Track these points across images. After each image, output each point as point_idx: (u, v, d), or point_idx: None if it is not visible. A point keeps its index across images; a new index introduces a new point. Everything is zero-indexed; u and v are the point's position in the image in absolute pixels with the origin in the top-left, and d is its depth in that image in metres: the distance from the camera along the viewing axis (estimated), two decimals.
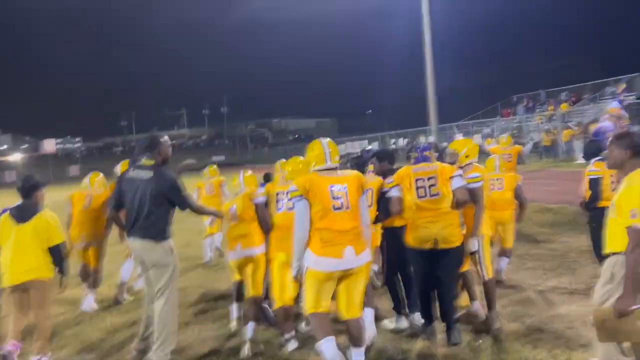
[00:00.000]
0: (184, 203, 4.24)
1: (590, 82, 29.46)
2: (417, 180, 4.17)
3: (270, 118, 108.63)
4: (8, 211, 4.18)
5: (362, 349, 3.59)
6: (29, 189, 4.25)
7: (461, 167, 4.56)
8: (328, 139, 3.78)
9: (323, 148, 3.64)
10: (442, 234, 4.09)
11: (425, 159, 4.27)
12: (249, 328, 4.40)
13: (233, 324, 4.88)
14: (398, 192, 4.21)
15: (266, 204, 4.35)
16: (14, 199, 4.31)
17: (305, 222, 3.48)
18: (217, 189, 8.30)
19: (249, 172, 5.02)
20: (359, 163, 5.44)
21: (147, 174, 4.11)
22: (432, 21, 24.58)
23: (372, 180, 4.56)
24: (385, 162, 4.86)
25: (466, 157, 4.74)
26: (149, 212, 4.07)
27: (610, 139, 3.26)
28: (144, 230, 4.09)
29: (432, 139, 28.11)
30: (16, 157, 70.42)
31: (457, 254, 4.22)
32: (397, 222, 4.48)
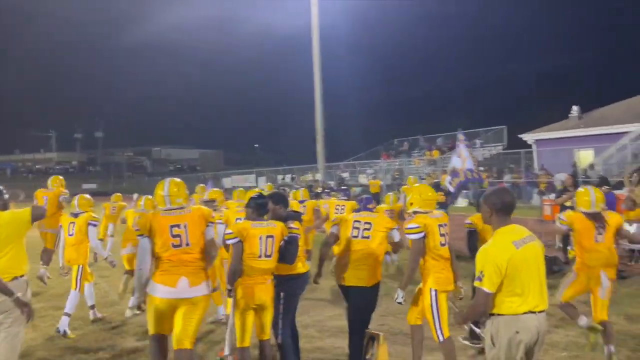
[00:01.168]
0: None
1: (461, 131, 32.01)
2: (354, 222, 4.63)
3: (150, 146, 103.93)
4: None
5: None
6: None
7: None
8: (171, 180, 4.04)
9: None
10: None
11: (367, 209, 4.79)
12: None
13: None
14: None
15: None
16: None
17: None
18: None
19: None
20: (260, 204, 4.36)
21: None
22: (322, 61, 25.30)
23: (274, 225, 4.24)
24: (280, 205, 4.44)
25: (410, 204, 4.58)
26: None
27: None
28: None
29: (319, 176, 28.63)
30: None
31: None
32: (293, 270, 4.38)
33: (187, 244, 3.79)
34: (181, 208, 3.92)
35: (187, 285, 3.75)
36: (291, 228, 4.26)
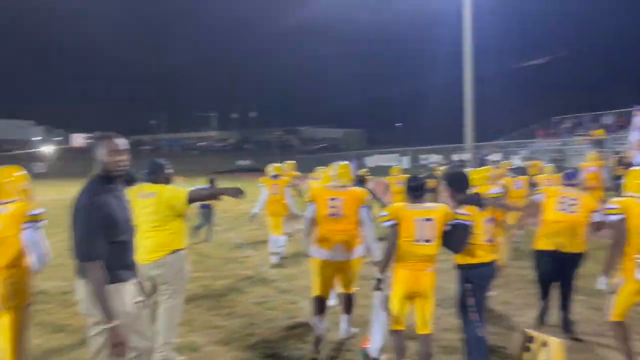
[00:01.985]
0: None
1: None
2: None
3: (298, 126, 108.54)
4: None
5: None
6: None
7: None
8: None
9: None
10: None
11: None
12: None
13: None
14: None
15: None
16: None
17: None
18: (282, 189, 8.27)
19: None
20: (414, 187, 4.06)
21: None
22: (473, 34, 23.76)
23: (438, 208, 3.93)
24: (453, 188, 4.17)
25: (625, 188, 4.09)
26: None
27: None
28: None
29: (466, 157, 27.21)
30: (48, 149, 71.77)
31: None
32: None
33: (341, 215, 4.38)
34: (343, 186, 4.55)
35: (341, 249, 4.39)
36: (459, 214, 3.89)
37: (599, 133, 26.58)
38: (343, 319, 4.84)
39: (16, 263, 3.32)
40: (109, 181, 2.76)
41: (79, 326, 4.38)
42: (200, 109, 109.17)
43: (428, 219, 3.79)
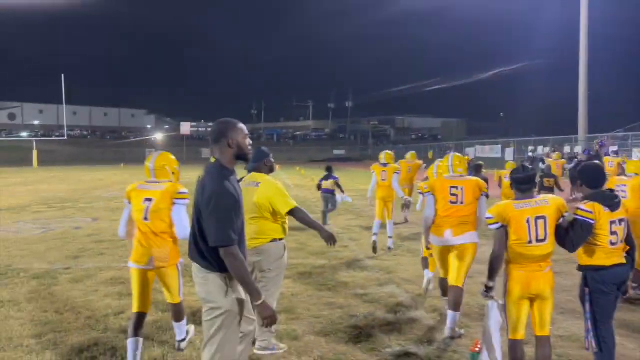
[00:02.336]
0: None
1: None
2: None
3: (393, 115, 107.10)
4: None
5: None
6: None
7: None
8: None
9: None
10: None
11: None
12: None
13: None
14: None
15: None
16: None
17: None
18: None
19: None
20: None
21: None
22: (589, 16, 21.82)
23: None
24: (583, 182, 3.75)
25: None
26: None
27: None
28: None
29: (578, 149, 25.23)
30: (158, 136, 77.49)
31: None
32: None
33: (462, 202, 4.74)
34: (461, 176, 4.88)
35: (451, 234, 4.71)
36: (579, 209, 3.49)
37: None
38: (449, 315, 4.59)
39: (167, 231, 3.97)
40: (232, 167, 2.83)
41: (186, 306, 4.53)
42: (298, 99, 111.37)
43: (540, 217, 3.44)
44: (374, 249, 8.06)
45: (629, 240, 3.59)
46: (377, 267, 7.32)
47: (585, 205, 3.48)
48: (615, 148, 24.79)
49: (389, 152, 9.06)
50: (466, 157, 16.16)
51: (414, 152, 12.44)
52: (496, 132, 56.91)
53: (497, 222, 3.52)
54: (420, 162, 12.29)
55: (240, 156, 2.85)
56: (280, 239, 4.18)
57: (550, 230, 3.45)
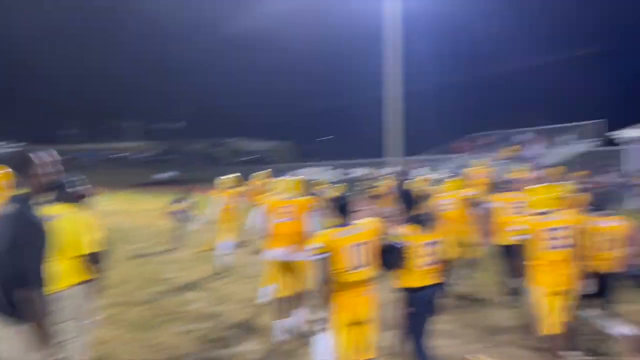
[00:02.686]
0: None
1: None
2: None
3: (225, 137, 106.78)
4: None
5: None
6: None
7: None
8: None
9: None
10: None
11: None
12: None
13: None
14: None
15: None
16: None
17: None
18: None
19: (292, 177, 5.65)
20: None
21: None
22: (400, 52, 24.33)
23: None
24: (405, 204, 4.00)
25: None
26: None
27: None
28: None
29: (389, 170, 27.71)
30: None
31: None
32: None
33: (291, 219, 5.19)
34: (293, 197, 5.29)
35: (284, 250, 5.13)
36: (394, 234, 3.65)
37: (514, 149, 28.12)
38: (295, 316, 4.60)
39: None
40: (36, 198, 2.61)
41: None
42: (123, 118, 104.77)
43: (361, 244, 3.51)
44: (217, 268, 8.34)
45: (443, 260, 3.89)
46: (208, 295, 6.94)
47: (401, 228, 3.67)
48: (424, 169, 27.90)
49: (234, 175, 9.20)
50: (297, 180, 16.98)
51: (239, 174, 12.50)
52: (323, 155, 60.11)
53: (320, 252, 3.48)
54: (258, 183, 12.42)
55: (44, 187, 2.64)
56: (82, 283, 3.62)
57: (371, 255, 3.54)
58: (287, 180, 5.53)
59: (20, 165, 2.61)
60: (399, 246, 3.64)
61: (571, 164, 22.20)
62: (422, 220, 3.81)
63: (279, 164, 53.91)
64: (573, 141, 27.75)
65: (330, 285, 3.50)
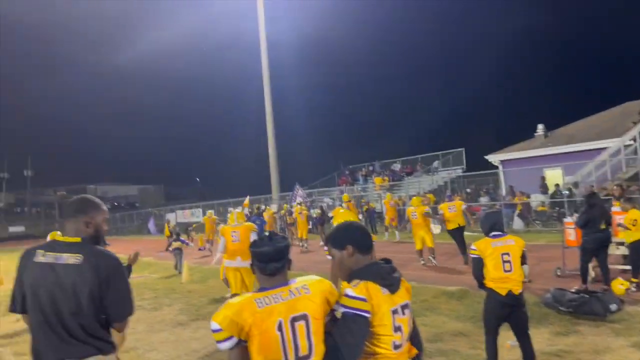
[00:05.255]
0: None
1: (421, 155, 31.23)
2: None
3: (85, 184, 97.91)
4: None
5: None
6: None
7: None
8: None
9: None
10: None
11: None
12: None
13: None
14: None
15: None
16: None
17: None
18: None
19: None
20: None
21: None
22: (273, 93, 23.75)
23: None
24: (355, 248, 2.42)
25: None
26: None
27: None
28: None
29: (273, 207, 26.64)
30: None
31: None
32: None
33: (238, 240, 7.75)
34: (240, 224, 7.96)
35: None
36: (348, 297, 2.07)
37: (380, 181, 28.83)
38: None
39: None
40: None
41: None
42: None
43: (298, 317, 2.01)
44: None
45: (415, 337, 2.31)
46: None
47: (355, 290, 2.09)
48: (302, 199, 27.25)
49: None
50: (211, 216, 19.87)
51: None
52: (194, 197, 57.50)
53: (228, 338, 1.95)
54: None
55: None
56: None
57: (316, 338, 2.04)
58: (235, 212, 8.08)
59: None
60: (358, 317, 2.07)
61: (442, 190, 22.92)
62: (382, 273, 2.22)
63: (147, 208, 50.19)
64: (440, 169, 28.99)
65: None
